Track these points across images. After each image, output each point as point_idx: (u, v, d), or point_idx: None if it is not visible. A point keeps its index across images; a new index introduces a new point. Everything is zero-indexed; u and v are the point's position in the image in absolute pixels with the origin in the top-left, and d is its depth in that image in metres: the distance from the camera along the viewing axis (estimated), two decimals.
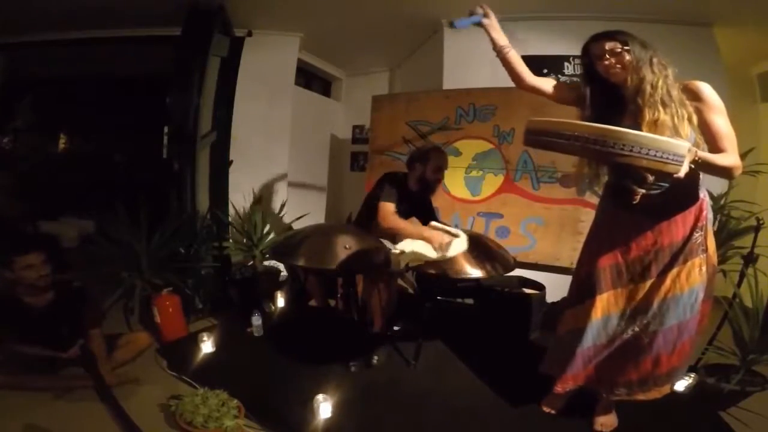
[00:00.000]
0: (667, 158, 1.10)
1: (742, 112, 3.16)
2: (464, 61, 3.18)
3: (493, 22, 1.51)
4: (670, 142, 1.12)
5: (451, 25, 1.53)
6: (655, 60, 1.32)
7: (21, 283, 1.85)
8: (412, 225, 2.23)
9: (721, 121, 1.29)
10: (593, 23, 2.87)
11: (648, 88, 1.31)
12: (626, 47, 1.32)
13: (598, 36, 1.38)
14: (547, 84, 1.57)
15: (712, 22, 2.87)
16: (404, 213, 2.35)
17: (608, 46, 1.34)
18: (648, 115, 1.30)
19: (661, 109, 1.29)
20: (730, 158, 1.26)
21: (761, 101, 3.36)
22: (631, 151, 1.09)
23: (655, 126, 1.28)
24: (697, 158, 1.19)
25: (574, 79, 2.90)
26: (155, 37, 3.44)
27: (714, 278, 1.46)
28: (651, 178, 1.34)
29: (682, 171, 1.13)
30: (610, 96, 1.40)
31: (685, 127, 1.27)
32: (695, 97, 1.32)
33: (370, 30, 3.47)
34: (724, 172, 1.27)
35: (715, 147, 1.29)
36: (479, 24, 1.52)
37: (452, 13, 3.06)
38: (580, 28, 2.78)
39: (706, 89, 1.32)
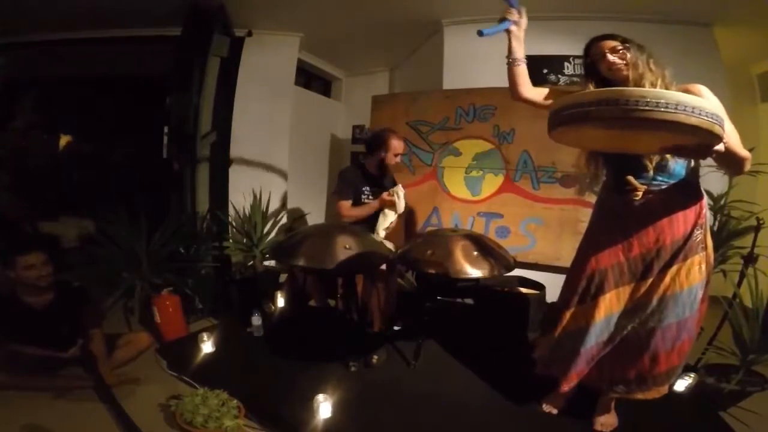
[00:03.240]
0: (714, 120, 1.05)
1: (742, 112, 3.16)
2: (464, 61, 3.18)
3: (520, 33, 1.52)
4: (710, 103, 1.08)
5: (480, 33, 1.50)
6: (651, 60, 1.36)
7: (22, 282, 1.86)
8: (363, 207, 2.53)
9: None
10: (593, 23, 2.87)
11: (647, 86, 1.32)
12: (626, 44, 1.37)
13: (598, 37, 1.43)
14: (541, 95, 1.58)
15: (712, 22, 2.86)
16: (375, 195, 2.55)
17: (610, 44, 1.39)
18: None
19: None
20: (743, 151, 1.28)
21: (761, 101, 3.36)
22: (675, 109, 1.02)
23: None
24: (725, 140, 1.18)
25: (575, 79, 2.90)
26: (155, 37, 3.44)
27: (711, 277, 1.46)
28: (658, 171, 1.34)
29: (723, 145, 1.12)
30: None
31: None
32: None
33: (370, 30, 3.47)
34: (740, 163, 1.28)
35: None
36: (506, 30, 1.51)
37: (452, 13, 3.11)
38: (580, 28, 2.78)
39: (705, 91, 1.33)
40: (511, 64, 1.55)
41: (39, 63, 4.18)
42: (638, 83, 1.34)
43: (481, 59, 2.99)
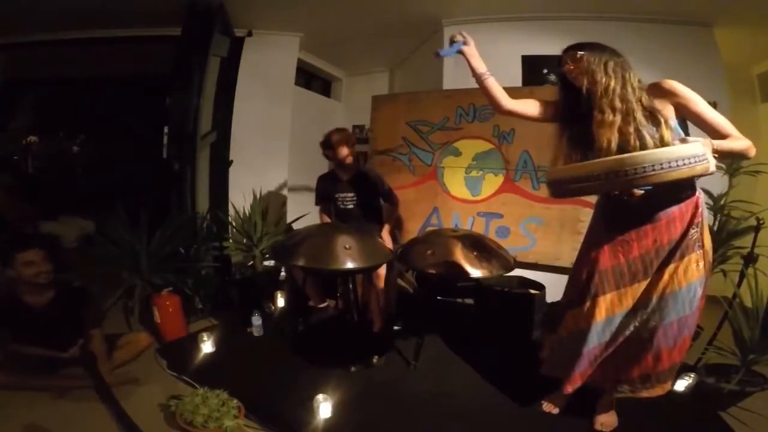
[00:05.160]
0: (693, 162, 1.12)
1: (742, 112, 3.16)
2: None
3: (472, 50, 1.60)
4: (683, 147, 1.15)
5: (437, 55, 1.63)
6: (610, 63, 1.38)
7: (22, 280, 1.86)
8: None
9: (708, 110, 1.32)
10: (593, 23, 2.87)
11: (599, 90, 1.37)
12: (582, 52, 1.41)
13: (566, 48, 1.48)
14: (526, 106, 1.63)
15: (712, 22, 2.86)
16: (354, 201, 2.58)
17: (570, 53, 1.45)
18: (597, 117, 1.37)
19: (609, 111, 1.35)
20: (740, 140, 1.28)
21: (761, 101, 3.36)
22: (653, 169, 1.11)
23: (604, 128, 1.35)
24: (714, 148, 1.21)
25: None
26: (155, 37, 3.44)
27: (710, 275, 1.46)
28: None
29: (712, 166, 1.17)
30: (582, 102, 1.45)
31: (647, 134, 1.31)
32: (671, 95, 1.36)
33: (370, 30, 3.47)
34: (742, 154, 1.30)
35: (720, 135, 1.30)
36: (460, 52, 1.60)
37: (452, 13, 3.11)
38: (580, 28, 2.79)
39: (677, 85, 1.36)
40: (480, 79, 1.61)
41: (39, 63, 4.18)
42: (592, 89, 1.39)
43: (481, 59, 2.99)
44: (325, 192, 2.66)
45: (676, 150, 1.14)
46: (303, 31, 3.55)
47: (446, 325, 2.54)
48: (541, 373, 1.68)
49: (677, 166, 1.11)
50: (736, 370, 1.82)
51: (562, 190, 1.33)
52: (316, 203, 2.72)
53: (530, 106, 1.62)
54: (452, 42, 1.60)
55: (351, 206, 2.59)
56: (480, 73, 1.60)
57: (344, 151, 2.50)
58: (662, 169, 1.11)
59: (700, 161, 1.13)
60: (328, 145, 2.54)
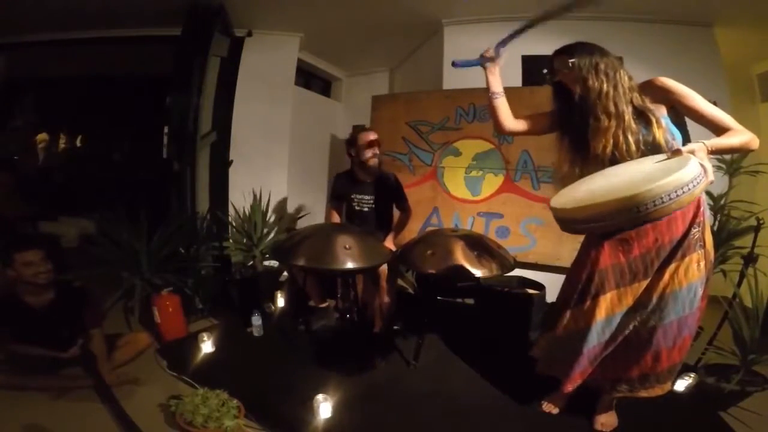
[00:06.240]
0: (690, 187, 1.11)
1: (742, 112, 3.16)
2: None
3: (496, 69, 1.61)
4: (683, 173, 1.11)
5: (453, 64, 1.63)
6: (601, 65, 1.37)
7: (21, 280, 1.86)
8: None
9: (705, 105, 1.32)
10: (593, 23, 2.87)
11: (593, 96, 1.37)
12: (572, 58, 1.39)
13: (554, 52, 1.47)
14: (525, 125, 1.65)
15: (712, 22, 2.86)
16: (370, 204, 2.52)
17: (561, 59, 1.43)
18: (593, 124, 1.37)
19: (604, 117, 1.35)
20: (740, 134, 1.26)
21: (761, 101, 3.36)
22: (655, 205, 1.10)
23: (600, 134, 1.36)
24: (711, 149, 1.21)
25: None
26: (155, 37, 3.44)
27: (711, 274, 1.46)
28: None
29: (710, 175, 1.16)
30: (576, 109, 1.45)
31: (631, 135, 1.32)
32: (665, 92, 1.35)
33: (370, 30, 3.47)
34: (744, 148, 1.28)
35: (719, 129, 1.30)
36: (482, 65, 1.61)
37: (452, 13, 3.11)
38: (580, 28, 2.78)
39: (671, 82, 1.35)
40: (491, 97, 1.62)
41: (39, 63, 4.18)
42: (585, 95, 1.38)
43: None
44: (341, 190, 2.61)
45: (676, 179, 1.11)
46: (303, 31, 3.55)
47: (446, 325, 2.54)
48: (537, 372, 1.68)
49: (677, 196, 1.10)
50: (736, 370, 1.82)
51: (571, 229, 1.34)
52: (330, 204, 2.68)
53: (529, 124, 1.64)
54: (481, 56, 1.61)
55: (366, 209, 2.54)
56: (494, 92, 1.62)
57: (369, 152, 2.44)
58: (663, 203, 1.10)
59: (698, 183, 1.12)
60: (353, 144, 2.49)
